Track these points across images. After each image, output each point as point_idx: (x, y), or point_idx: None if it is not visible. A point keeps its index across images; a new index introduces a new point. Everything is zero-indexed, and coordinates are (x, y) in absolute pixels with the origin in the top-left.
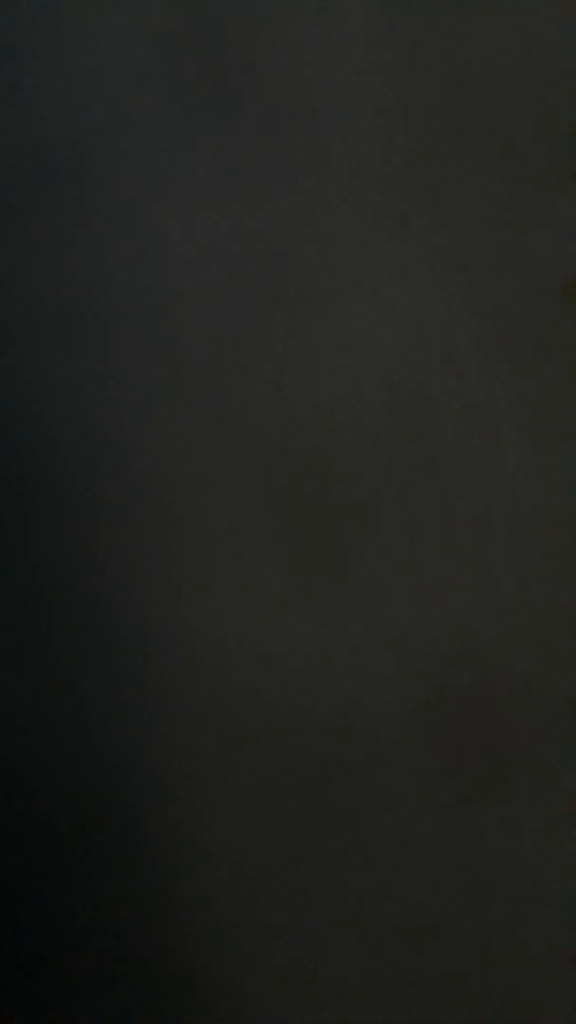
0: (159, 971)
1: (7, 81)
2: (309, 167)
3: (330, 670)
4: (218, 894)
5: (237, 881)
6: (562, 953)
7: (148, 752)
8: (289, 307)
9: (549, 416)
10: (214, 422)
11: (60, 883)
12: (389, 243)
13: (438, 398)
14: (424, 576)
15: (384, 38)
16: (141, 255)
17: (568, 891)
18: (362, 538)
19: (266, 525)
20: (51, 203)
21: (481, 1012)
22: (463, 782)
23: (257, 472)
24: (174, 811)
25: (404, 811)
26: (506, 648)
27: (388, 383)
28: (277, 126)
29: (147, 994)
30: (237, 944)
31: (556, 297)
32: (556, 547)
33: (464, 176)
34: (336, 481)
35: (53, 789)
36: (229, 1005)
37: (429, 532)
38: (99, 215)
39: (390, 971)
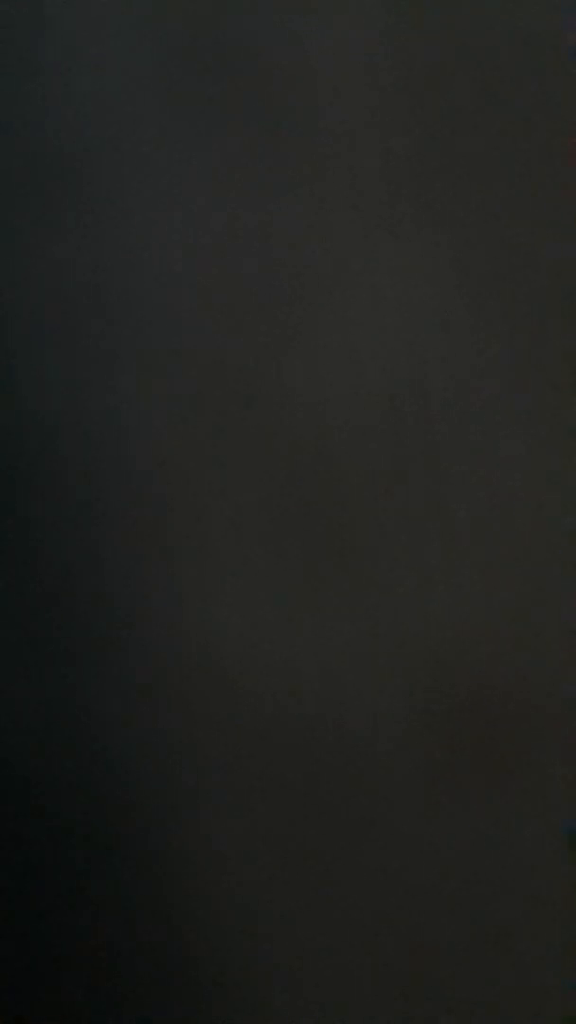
0: (159, 971)
1: (9, 84)
2: (310, 170)
3: (329, 671)
4: (217, 894)
5: (236, 881)
6: (561, 955)
7: (148, 753)
8: (289, 308)
9: (549, 416)
10: (214, 422)
11: (61, 883)
12: (389, 244)
13: (438, 398)
14: (423, 577)
15: (386, 40)
16: (141, 258)
17: (567, 893)
18: (361, 539)
19: (266, 526)
20: (52, 206)
21: (480, 1014)
22: (462, 783)
23: (257, 472)
24: (174, 812)
25: (403, 811)
26: (506, 649)
27: (388, 383)
28: (278, 129)
29: (148, 994)
30: (236, 943)
31: (556, 297)
32: (556, 548)
33: (464, 177)
34: (335, 482)
35: (53, 790)
36: (228, 1004)
37: (428, 532)
38: (100, 218)
39: (388, 972)
